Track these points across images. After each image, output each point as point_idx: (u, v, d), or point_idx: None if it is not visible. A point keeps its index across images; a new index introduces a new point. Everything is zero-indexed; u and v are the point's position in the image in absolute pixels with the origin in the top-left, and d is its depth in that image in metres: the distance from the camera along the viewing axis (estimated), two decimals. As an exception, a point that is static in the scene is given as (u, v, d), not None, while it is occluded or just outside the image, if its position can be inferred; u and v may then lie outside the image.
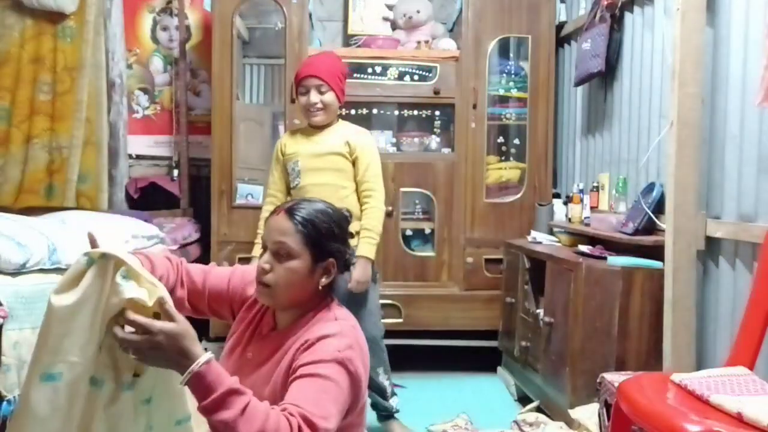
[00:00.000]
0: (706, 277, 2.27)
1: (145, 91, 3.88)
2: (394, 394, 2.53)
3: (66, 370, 1.10)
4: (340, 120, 2.57)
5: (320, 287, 1.37)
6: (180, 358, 1.09)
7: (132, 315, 1.10)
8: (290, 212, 1.35)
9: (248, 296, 1.47)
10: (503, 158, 3.50)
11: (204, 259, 3.35)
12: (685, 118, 2.20)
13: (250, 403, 1.11)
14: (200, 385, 1.09)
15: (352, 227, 2.26)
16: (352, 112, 3.31)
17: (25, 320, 1.70)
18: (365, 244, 2.40)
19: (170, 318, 1.10)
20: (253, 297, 1.45)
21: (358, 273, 2.34)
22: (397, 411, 2.53)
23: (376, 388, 2.44)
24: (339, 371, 1.23)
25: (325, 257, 1.36)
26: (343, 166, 2.46)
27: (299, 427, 1.12)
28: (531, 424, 2.50)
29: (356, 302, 2.32)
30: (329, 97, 2.44)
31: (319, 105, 2.43)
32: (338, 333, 1.30)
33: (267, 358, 1.37)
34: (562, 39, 3.60)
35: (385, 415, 2.53)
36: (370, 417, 2.48)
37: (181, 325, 1.10)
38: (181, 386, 1.12)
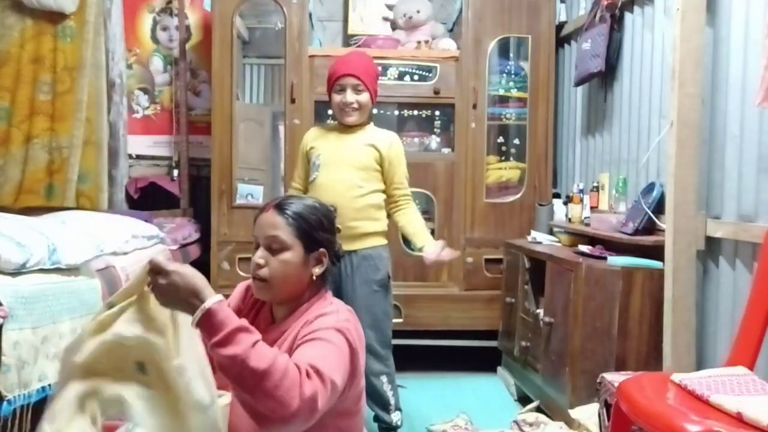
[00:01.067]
0: (706, 277, 2.27)
1: (145, 91, 3.88)
2: (398, 408, 2.46)
3: None
4: (371, 123, 2.52)
5: (314, 277, 1.43)
6: (193, 298, 1.13)
7: (153, 259, 1.17)
8: (279, 207, 1.42)
9: (246, 298, 1.52)
10: (503, 158, 3.51)
11: (204, 259, 3.35)
12: (685, 118, 2.20)
13: (259, 341, 1.14)
14: (212, 322, 1.12)
15: (366, 227, 2.36)
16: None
17: (25, 320, 1.70)
18: (423, 236, 2.40)
19: (166, 269, 1.15)
20: (250, 297, 1.49)
21: (440, 244, 2.35)
22: (399, 427, 2.45)
23: (378, 399, 2.39)
24: (339, 337, 1.29)
25: (316, 247, 1.43)
26: (368, 165, 2.40)
27: (307, 372, 1.15)
28: (531, 424, 2.50)
29: (370, 305, 2.32)
30: (365, 97, 2.40)
31: (355, 105, 2.38)
32: (335, 311, 1.38)
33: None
34: (562, 39, 3.60)
35: (387, 429, 2.46)
36: (373, 427, 2.48)
37: (190, 268, 1.17)
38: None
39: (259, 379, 1.09)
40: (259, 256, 1.40)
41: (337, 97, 2.41)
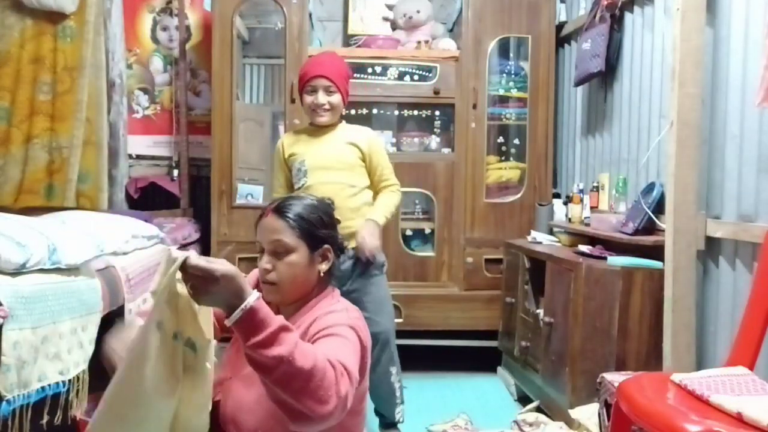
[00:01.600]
0: (706, 277, 2.27)
1: (145, 91, 3.88)
2: (402, 402, 2.48)
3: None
4: (343, 121, 2.55)
5: (321, 274, 1.45)
6: (234, 298, 1.08)
7: (194, 260, 1.09)
8: (279, 211, 1.42)
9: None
10: (503, 158, 3.51)
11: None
12: (685, 118, 2.20)
13: (299, 340, 1.12)
14: (254, 321, 1.08)
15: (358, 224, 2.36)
16: (353, 112, 3.30)
17: (25, 320, 1.70)
18: (376, 210, 2.41)
19: (209, 270, 1.08)
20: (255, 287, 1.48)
21: (366, 231, 2.33)
22: (401, 422, 2.49)
23: (384, 391, 2.41)
24: (352, 334, 1.30)
25: (320, 245, 1.44)
26: (353, 163, 2.43)
27: (341, 371, 1.15)
28: (531, 424, 2.50)
29: (367, 293, 2.34)
30: (336, 98, 2.42)
31: (327, 106, 2.41)
32: (344, 309, 1.41)
33: None
34: (562, 39, 3.60)
35: (388, 423, 2.48)
36: (373, 423, 2.48)
37: (233, 267, 1.11)
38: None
39: (304, 380, 1.08)
40: (266, 261, 1.40)
41: (308, 98, 2.43)
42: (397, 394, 2.45)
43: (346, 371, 1.16)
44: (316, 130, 2.49)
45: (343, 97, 2.45)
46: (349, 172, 2.42)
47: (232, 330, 1.11)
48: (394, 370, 2.42)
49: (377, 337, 2.21)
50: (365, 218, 2.37)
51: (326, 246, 1.45)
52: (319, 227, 1.44)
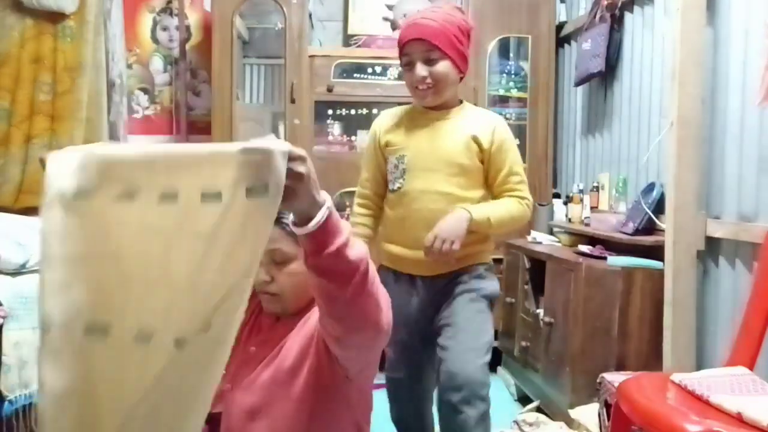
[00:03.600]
0: (706, 277, 2.27)
1: (145, 91, 3.88)
2: None
3: None
4: (464, 103, 1.89)
5: None
6: (317, 191, 0.95)
7: (289, 146, 0.89)
8: None
9: None
10: (503, 158, 3.49)
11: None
12: (685, 118, 2.20)
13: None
14: (335, 221, 0.98)
15: (469, 247, 1.77)
16: (353, 112, 3.31)
17: (25, 320, 1.70)
18: (482, 209, 1.74)
19: (302, 155, 0.91)
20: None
21: (444, 223, 1.69)
22: None
23: (420, 427, 2.00)
24: None
25: None
26: (468, 168, 1.78)
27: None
28: (531, 424, 2.50)
29: (466, 317, 1.77)
30: (443, 67, 1.74)
31: (429, 81, 1.75)
32: None
33: (274, 345, 1.34)
34: (562, 39, 3.60)
35: None
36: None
37: None
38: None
39: (371, 281, 1.06)
40: (264, 272, 1.30)
41: (406, 75, 1.81)
42: None
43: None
44: (424, 113, 1.85)
45: (455, 63, 1.76)
46: (461, 178, 1.77)
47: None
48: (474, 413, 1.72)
49: (452, 383, 1.72)
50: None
51: None
52: None
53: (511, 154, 1.81)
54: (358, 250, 1.02)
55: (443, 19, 1.76)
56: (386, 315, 1.11)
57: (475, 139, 1.78)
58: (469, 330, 1.77)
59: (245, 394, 1.31)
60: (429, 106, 1.82)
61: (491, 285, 1.87)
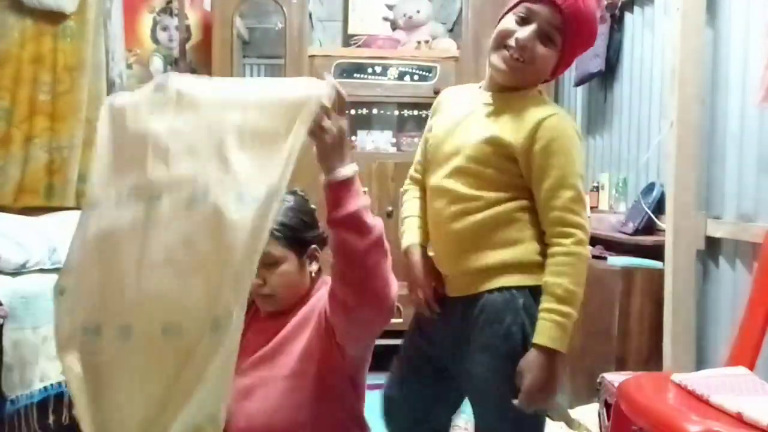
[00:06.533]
0: (706, 277, 2.27)
1: (145, 91, 3.88)
2: None
3: None
4: (537, 92, 1.43)
5: (313, 274, 1.45)
6: (346, 148, 1.14)
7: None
8: None
9: None
10: (503, 158, 3.48)
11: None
12: (685, 118, 2.21)
13: None
14: (356, 183, 1.15)
15: (485, 258, 1.37)
16: (352, 112, 3.31)
17: (25, 320, 1.70)
18: (546, 322, 1.27)
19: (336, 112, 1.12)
20: None
21: (532, 376, 1.26)
22: None
23: None
24: None
25: (307, 247, 1.43)
26: (483, 163, 1.36)
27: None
28: (531, 424, 2.49)
29: (489, 386, 1.37)
30: (548, 53, 1.35)
31: (528, 53, 1.33)
32: None
33: (271, 337, 1.41)
34: (562, 39, 3.60)
35: None
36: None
37: None
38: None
39: (386, 252, 1.17)
40: (256, 276, 1.32)
41: (507, 23, 1.37)
42: None
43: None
44: (491, 90, 1.44)
45: (560, 61, 1.39)
46: (472, 177, 1.38)
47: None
48: None
49: None
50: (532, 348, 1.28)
51: (313, 246, 1.43)
52: (303, 231, 1.41)
53: (562, 158, 1.32)
54: (376, 219, 1.16)
55: (595, 15, 1.39)
56: (392, 297, 1.21)
57: (500, 135, 1.35)
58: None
59: (239, 378, 1.32)
60: (496, 80, 1.42)
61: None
